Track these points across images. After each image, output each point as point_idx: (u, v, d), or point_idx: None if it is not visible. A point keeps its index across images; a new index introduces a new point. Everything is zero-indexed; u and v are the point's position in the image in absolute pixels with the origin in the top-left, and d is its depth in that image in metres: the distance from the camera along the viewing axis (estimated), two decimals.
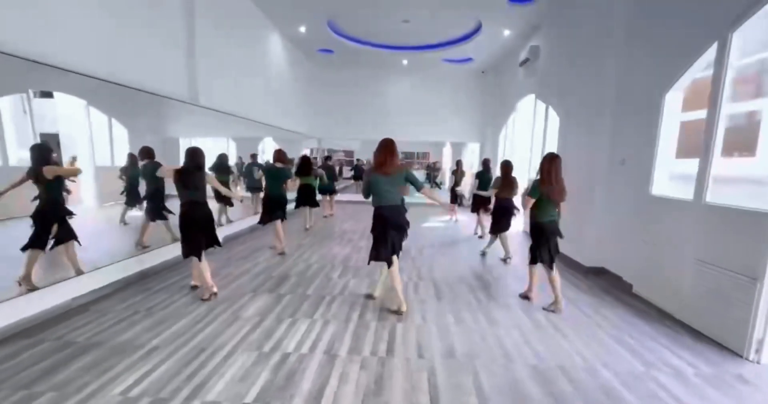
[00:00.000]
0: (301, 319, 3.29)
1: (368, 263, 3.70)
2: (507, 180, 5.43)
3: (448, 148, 17.87)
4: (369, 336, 3.02)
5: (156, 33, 4.60)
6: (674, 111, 3.91)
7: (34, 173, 3.21)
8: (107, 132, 6.14)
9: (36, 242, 3.22)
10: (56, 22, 3.31)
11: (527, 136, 8.22)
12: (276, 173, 5.41)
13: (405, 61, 11.04)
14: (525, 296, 3.95)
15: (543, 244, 3.63)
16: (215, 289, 3.76)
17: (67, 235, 3.42)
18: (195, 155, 3.64)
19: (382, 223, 3.41)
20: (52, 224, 3.32)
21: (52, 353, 2.62)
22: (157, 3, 4.57)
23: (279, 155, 5.52)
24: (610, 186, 4.73)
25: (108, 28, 3.86)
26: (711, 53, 3.33)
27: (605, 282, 4.56)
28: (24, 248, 3.17)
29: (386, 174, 3.37)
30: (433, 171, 18.07)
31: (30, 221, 3.25)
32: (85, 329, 3.01)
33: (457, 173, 8.99)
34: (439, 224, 8.57)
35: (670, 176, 4.03)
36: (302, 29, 8.74)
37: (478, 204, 6.86)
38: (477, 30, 8.52)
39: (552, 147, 6.43)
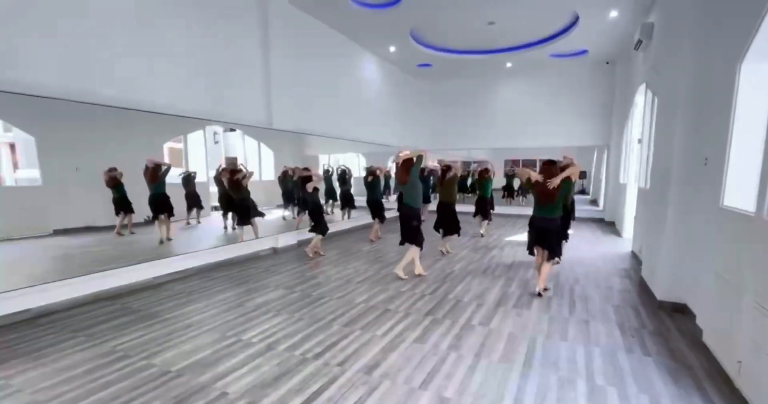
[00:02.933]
0: (282, 314, 3.66)
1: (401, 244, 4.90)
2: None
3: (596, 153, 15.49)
4: (319, 337, 3.16)
5: (239, 69, 5.80)
6: (755, 89, 2.72)
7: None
8: (257, 153, 8.23)
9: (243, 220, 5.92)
10: (168, 82, 4.73)
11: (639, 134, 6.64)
12: (371, 182, 6.74)
13: (508, 64, 10.35)
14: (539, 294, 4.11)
15: (530, 235, 4.21)
16: (310, 254, 5.91)
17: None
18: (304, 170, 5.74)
19: (401, 218, 4.84)
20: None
21: (109, 313, 3.71)
22: (237, 48, 5.78)
23: (371, 168, 6.81)
24: (687, 194, 3.53)
25: (201, 78, 5.22)
26: None
27: (673, 324, 3.40)
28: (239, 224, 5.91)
29: (403, 183, 4.68)
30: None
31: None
32: (145, 300, 4.08)
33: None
34: None
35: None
36: (392, 49, 9.27)
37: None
38: (576, 18, 7.41)
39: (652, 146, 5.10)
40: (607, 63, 9.74)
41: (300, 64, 6.99)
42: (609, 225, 9.19)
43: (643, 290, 4.30)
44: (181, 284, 4.61)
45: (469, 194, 12.25)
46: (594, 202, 13.47)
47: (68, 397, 2.32)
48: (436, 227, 5.96)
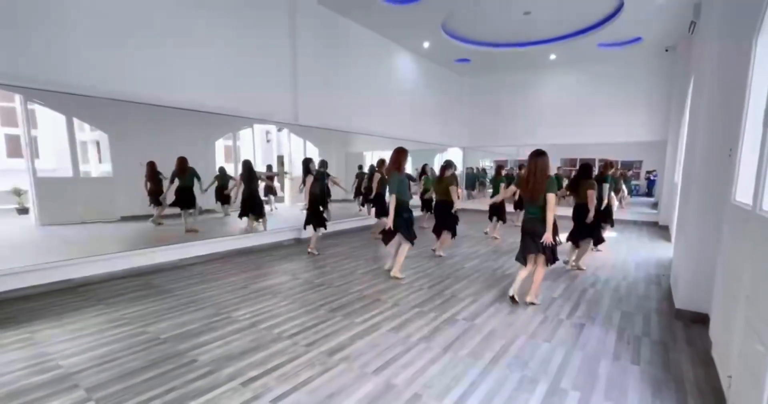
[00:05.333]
0: (278, 297, 3.85)
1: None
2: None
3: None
4: (301, 320, 3.29)
5: (269, 68, 6.15)
6: None
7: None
8: (302, 150, 8.77)
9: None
10: (205, 81, 5.20)
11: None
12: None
13: (552, 56, 9.76)
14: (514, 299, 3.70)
15: (521, 241, 3.64)
16: (310, 251, 5.71)
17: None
18: (318, 165, 5.73)
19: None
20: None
21: (133, 287, 4.16)
22: (268, 49, 6.14)
23: (381, 164, 6.74)
24: (710, 189, 3.11)
25: (234, 76, 5.64)
26: None
27: (685, 335, 3.03)
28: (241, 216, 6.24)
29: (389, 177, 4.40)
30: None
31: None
32: (166, 278, 4.51)
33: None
34: None
35: None
36: (426, 45, 9.18)
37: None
38: (621, 2, 6.79)
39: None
40: (666, 50, 8.77)
41: (330, 63, 7.20)
42: (662, 230, 8.30)
43: (667, 297, 3.86)
44: (202, 267, 5.02)
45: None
46: (656, 205, 12.24)
47: (68, 352, 2.68)
48: (437, 229, 5.64)
